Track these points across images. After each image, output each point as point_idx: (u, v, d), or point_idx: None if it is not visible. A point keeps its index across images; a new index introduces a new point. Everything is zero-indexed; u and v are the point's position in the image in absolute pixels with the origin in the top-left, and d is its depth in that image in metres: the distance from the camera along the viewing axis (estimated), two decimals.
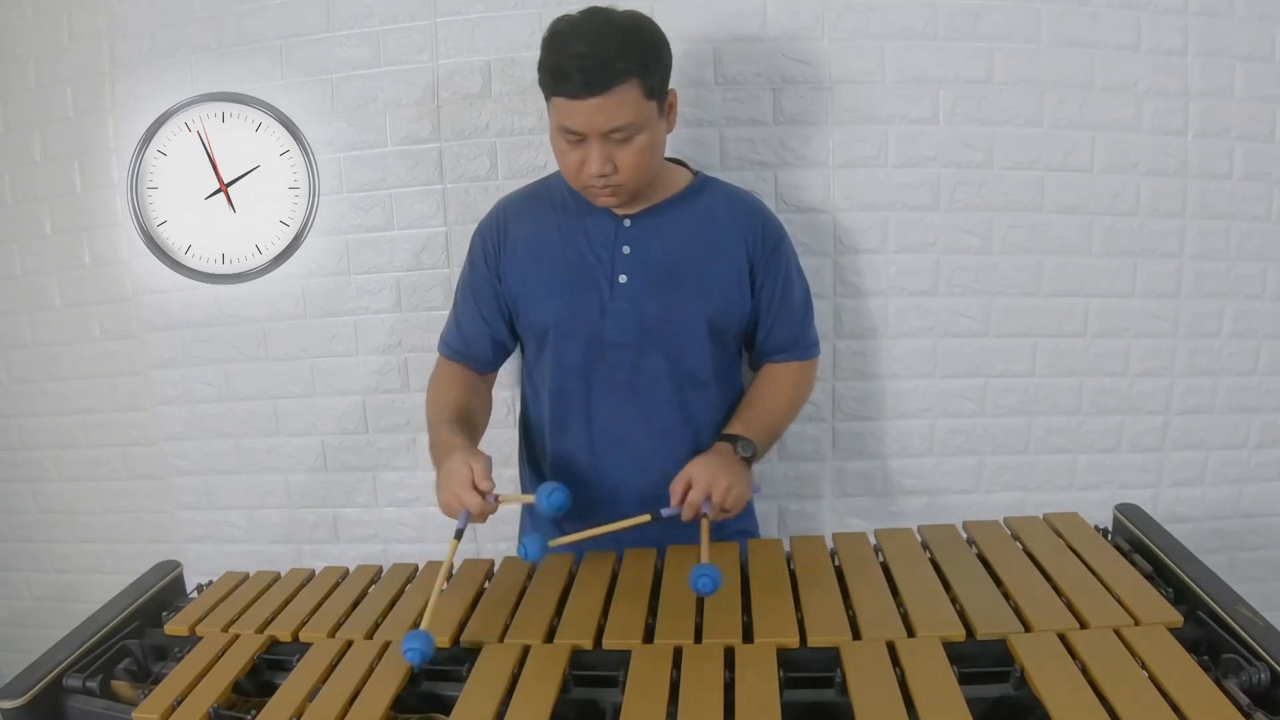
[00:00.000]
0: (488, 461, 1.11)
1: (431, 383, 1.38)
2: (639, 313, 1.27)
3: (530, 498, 1.15)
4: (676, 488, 1.16)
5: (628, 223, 1.28)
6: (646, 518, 1.13)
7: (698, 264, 1.28)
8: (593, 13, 1.15)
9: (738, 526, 1.41)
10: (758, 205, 1.37)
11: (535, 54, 1.61)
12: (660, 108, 1.19)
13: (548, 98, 1.17)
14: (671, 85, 1.22)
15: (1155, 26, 1.60)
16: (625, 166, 1.17)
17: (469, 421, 1.29)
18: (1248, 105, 1.63)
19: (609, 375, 1.30)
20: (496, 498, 1.09)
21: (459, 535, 1.08)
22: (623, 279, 1.27)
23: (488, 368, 1.40)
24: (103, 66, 1.75)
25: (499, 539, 1.85)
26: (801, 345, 1.40)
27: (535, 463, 1.43)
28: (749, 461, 1.24)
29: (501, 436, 1.73)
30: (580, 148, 1.16)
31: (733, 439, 1.25)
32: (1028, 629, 0.93)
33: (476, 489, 1.07)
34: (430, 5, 1.65)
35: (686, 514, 1.15)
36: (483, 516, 1.09)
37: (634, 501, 1.32)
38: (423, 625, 1.00)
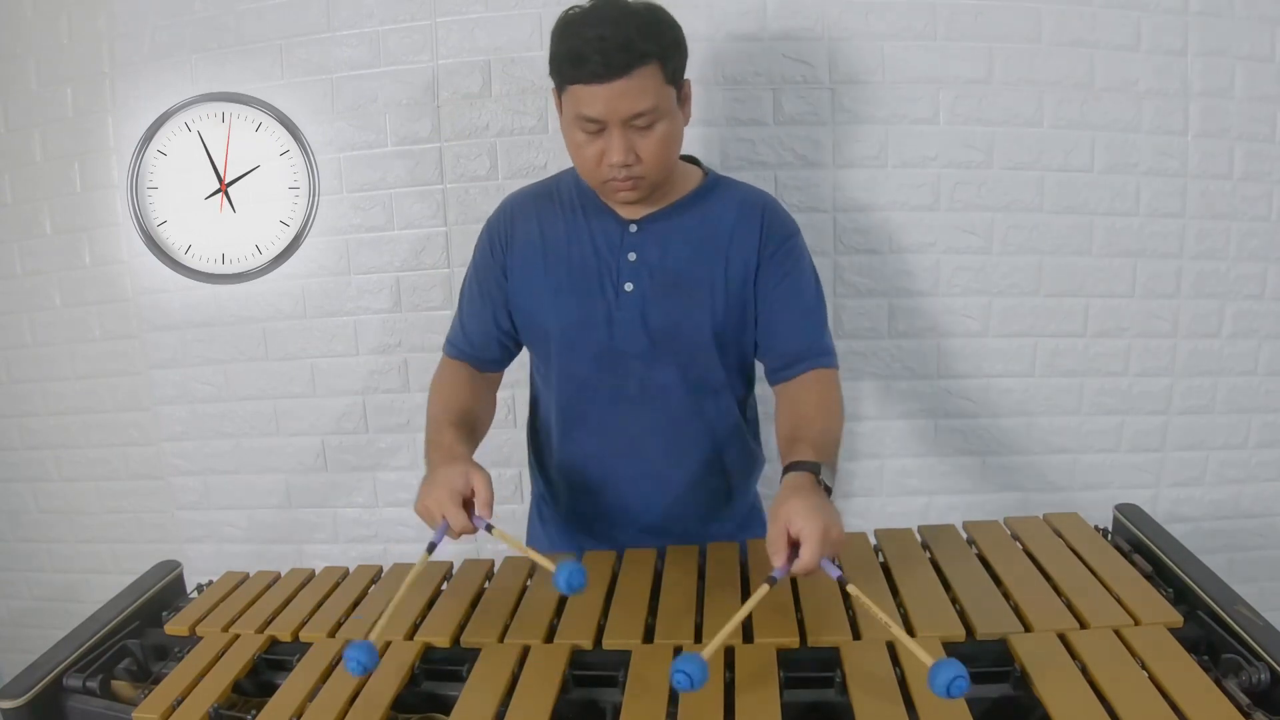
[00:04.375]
0: (491, 488, 1.06)
1: (435, 380, 1.34)
2: (644, 322, 1.23)
3: (546, 562, 1.01)
4: (777, 542, 0.95)
5: (634, 228, 1.24)
6: (765, 588, 0.92)
7: (704, 272, 1.23)
8: (603, 3, 1.12)
9: (748, 535, 1.39)
10: (767, 204, 1.29)
11: (535, 54, 1.63)
12: (678, 95, 1.16)
13: (562, 87, 1.13)
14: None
15: (1155, 26, 1.60)
16: (648, 155, 1.13)
17: (473, 429, 1.24)
18: (1248, 105, 1.63)
19: (618, 386, 1.26)
20: (490, 527, 1.04)
21: (431, 549, 1.02)
22: (628, 287, 1.23)
23: (494, 367, 1.37)
24: (103, 66, 1.75)
25: (499, 539, 1.85)
26: (817, 351, 1.25)
27: (544, 469, 1.41)
28: (829, 491, 1.06)
29: (501, 437, 1.73)
30: (599, 138, 1.12)
31: (811, 466, 1.05)
32: (1028, 629, 0.93)
33: (467, 510, 1.03)
34: (430, 5, 1.65)
35: (803, 573, 0.94)
36: (458, 535, 1.05)
37: (646, 513, 1.30)
38: (374, 635, 0.95)
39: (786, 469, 1.07)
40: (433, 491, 1.06)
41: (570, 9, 1.13)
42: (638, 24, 1.08)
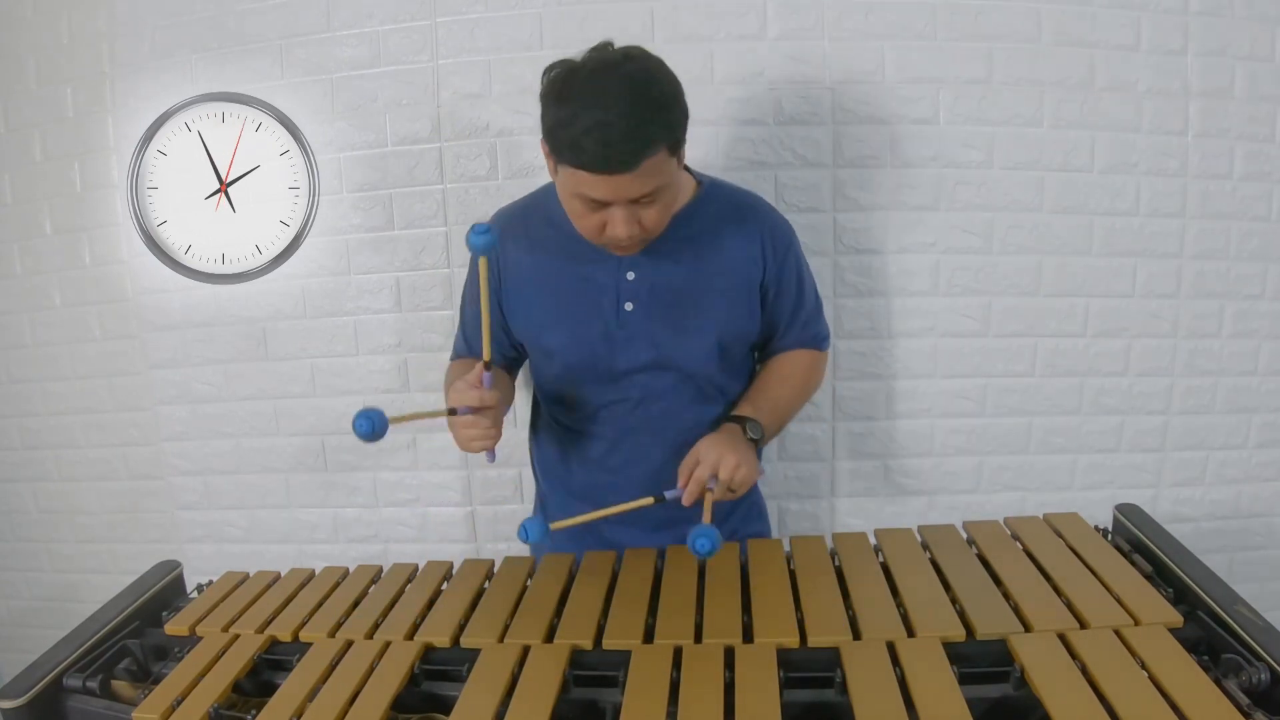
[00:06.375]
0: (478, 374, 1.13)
1: (446, 379, 1.37)
2: (649, 339, 1.23)
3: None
4: (685, 467, 1.14)
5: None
6: (650, 500, 1.13)
7: (705, 285, 1.24)
8: (602, 70, 1.03)
9: (750, 530, 1.40)
10: (764, 212, 1.30)
11: (535, 54, 1.64)
12: (679, 157, 1.11)
13: (559, 163, 1.07)
14: None
15: (1155, 26, 1.60)
16: (651, 223, 1.11)
17: None
18: (1248, 105, 1.63)
19: (621, 395, 1.27)
20: (487, 366, 1.11)
21: (452, 412, 1.12)
22: (629, 306, 1.22)
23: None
24: (103, 66, 1.75)
25: (499, 539, 1.86)
26: (811, 339, 1.36)
27: (546, 471, 1.42)
28: (756, 444, 1.21)
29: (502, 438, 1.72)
30: (601, 211, 1.09)
31: (741, 420, 1.22)
32: (1028, 629, 0.93)
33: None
34: (430, 5, 1.65)
35: (691, 493, 1.12)
36: (484, 406, 1.11)
37: (655, 514, 1.31)
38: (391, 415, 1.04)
39: (725, 419, 1.24)
40: (449, 400, 1.14)
41: (563, 73, 1.05)
42: (642, 110, 1.01)
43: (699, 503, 1.13)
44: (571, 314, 1.24)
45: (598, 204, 1.08)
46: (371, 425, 1.01)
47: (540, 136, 1.10)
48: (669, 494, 1.14)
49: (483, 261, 1.07)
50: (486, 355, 1.12)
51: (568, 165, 1.06)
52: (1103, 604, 0.96)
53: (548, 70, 1.08)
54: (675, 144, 1.08)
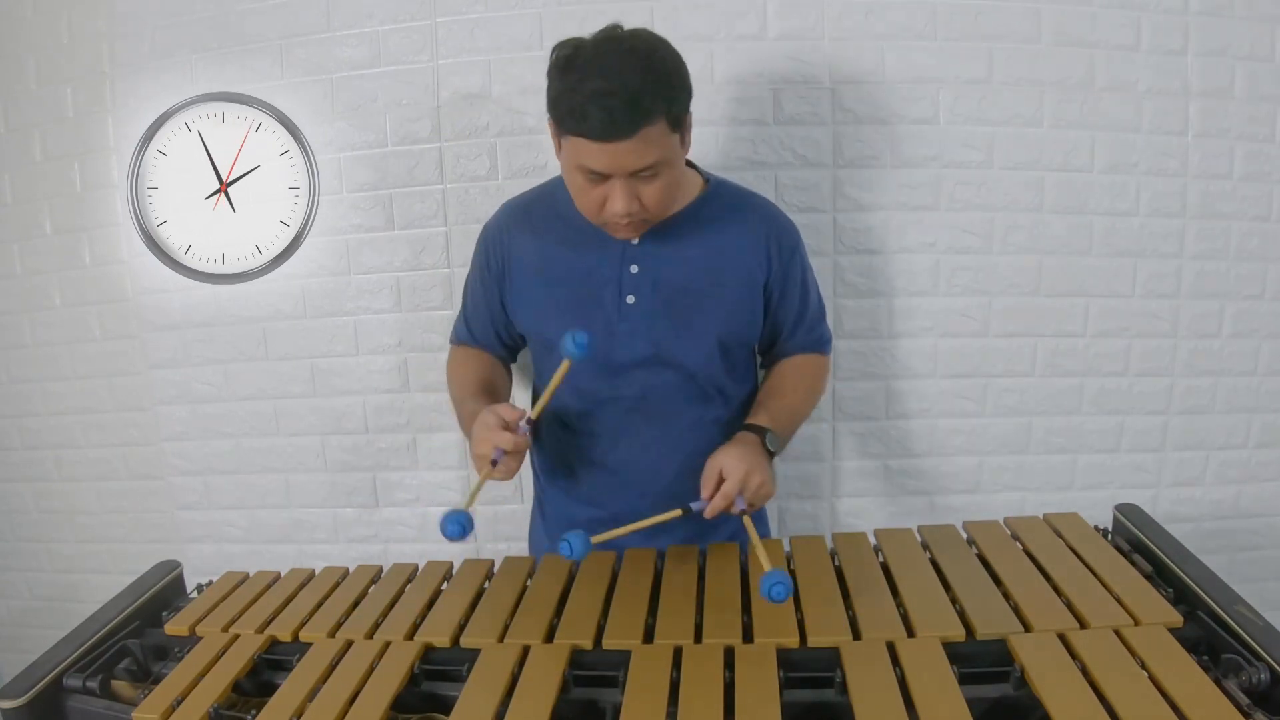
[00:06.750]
0: (510, 406, 1.15)
1: (448, 367, 1.39)
2: (649, 334, 1.24)
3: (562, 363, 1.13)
4: (708, 479, 1.14)
5: (635, 240, 1.23)
6: (678, 512, 1.13)
7: (709, 283, 1.24)
8: (607, 42, 1.07)
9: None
10: (770, 214, 1.31)
11: (535, 54, 1.63)
12: (682, 136, 1.14)
13: (562, 133, 1.10)
14: None
15: (1155, 26, 1.60)
16: (651, 201, 1.12)
17: (494, 393, 1.30)
18: (1248, 105, 1.63)
19: (620, 392, 1.27)
20: (530, 421, 1.12)
21: (494, 464, 1.11)
22: (630, 299, 1.23)
23: (501, 361, 1.40)
24: (103, 66, 1.75)
25: (499, 539, 1.86)
26: (815, 342, 1.38)
27: (548, 469, 1.42)
28: (771, 456, 1.21)
29: None
30: (602, 185, 1.10)
31: (760, 430, 1.21)
32: (1028, 629, 0.93)
33: (507, 429, 1.10)
34: (430, 5, 1.65)
35: (716, 506, 1.12)
36: (517, 451, 1.10)
37: (649, 513, 1.31)
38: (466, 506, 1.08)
39: (742, 427, 1.23)
40: (478, 436, 1.13)
41: (570, 47, 1.08)
42: (643, 77, 1.04)
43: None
44: (573, 304, 1.24)
45: (598, 177, 1.10)
46: (462, 528, 1.06)
47: (547, 116, 1.12)
48: (695, 506, 1.14)
49: (566, 363, 1.12)
50: (536, 414, 1.17)
51: (570, 134, 1.08)
52: (1103, 604, 0.96)
53: (556, 47, 1.10)
54: (676, 118, 1.09)
